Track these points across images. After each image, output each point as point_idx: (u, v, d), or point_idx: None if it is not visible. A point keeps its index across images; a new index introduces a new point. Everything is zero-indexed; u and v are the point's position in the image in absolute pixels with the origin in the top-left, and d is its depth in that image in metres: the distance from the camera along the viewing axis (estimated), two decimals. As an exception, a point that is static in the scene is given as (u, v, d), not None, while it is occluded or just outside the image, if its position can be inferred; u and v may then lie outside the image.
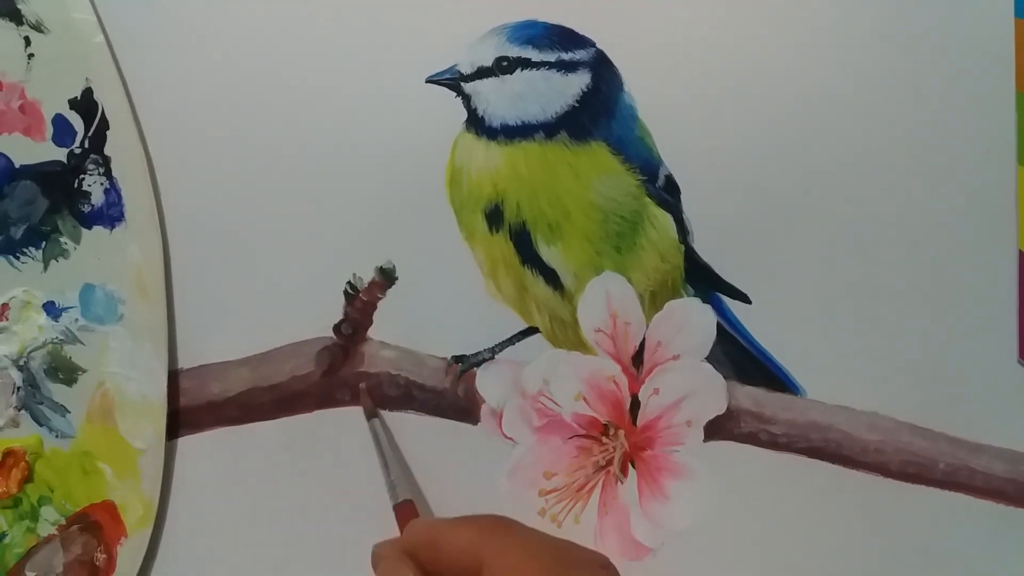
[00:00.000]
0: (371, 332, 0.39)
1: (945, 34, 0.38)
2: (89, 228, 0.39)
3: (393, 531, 0.38)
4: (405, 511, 0.36)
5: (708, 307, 0.39)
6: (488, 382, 0.39)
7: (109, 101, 0.38)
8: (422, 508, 0.38)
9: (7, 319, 0.38)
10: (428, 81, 0.38)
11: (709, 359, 0.39)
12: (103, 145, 0.38)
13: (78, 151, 0.38)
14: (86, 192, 0.38)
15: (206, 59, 0.39)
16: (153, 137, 0.39)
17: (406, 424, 0.39)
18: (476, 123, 0.38)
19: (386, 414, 0.39)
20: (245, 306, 0.39)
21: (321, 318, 0.39)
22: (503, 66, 0.38)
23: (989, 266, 0.38)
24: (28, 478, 0.39)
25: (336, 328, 0.39)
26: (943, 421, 0.38)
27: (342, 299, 0.39)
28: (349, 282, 0.39)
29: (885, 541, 0.38)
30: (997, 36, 0.38)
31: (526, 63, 0.38)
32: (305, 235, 0.39)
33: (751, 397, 0.39)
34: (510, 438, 0.39)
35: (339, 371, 0.39)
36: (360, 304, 0.39)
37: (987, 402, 0.38)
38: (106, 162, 0.38)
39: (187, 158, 0.39)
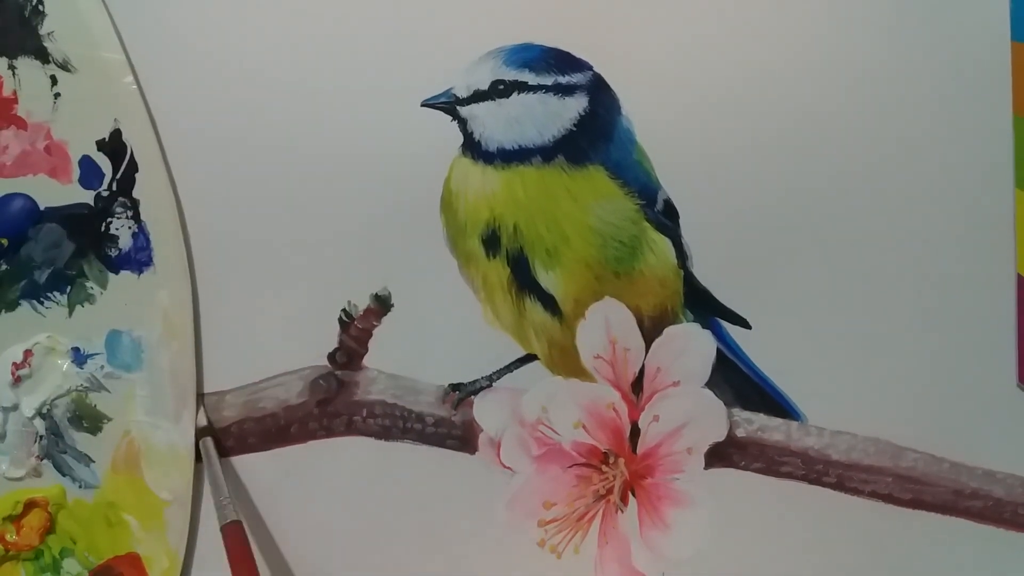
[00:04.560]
0: (367, 360, 0.39)
1: (942, 58, 0.38)
2: (116, 273, 0.38)
3: (387, 561, 0.38)
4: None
5: (708, 332, 0.38)
6: (486, 410, 0.39)
7: (138, 143, 0.38)
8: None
9: (31, 366, 0.38)
10: (424, 105, 0.38)
11: (709, 385, 0.38)
12: (132, 188, 0.37)
13: (106, 194, 0.38)
14: (114, 236, 0.38)
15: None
16: (183, 180, 0.38)
17: (402, 454, 0.39)
18: (472, 147, 0.38)
19: (382, 444, 0.39)
20: (238, 334, 0.39)
21: (316, 346, 0.39)
22: (499, 90, 0.38)
23: (988, 290, 0.38)
24: (50, 529, 0.38)
25: (331, 356, 0.39)
26: (943, 446, 0.38)
27: (337, 327, 0.39)
28: (344, 310, 0.39)
29: (887, 567, 0.38)
30: (994, 59, 0.38)
31: (523, 87, 0.38)
32: (299, 262, 0.39)
33: (752, 423, 0.38)
34: (508, 467, 0.38)
35: (334, 400, 0.39)
36: (355, 332, 0.39)
37: (987, 426, 0.38)
38: (135, 205, 0.38)
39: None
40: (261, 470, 0.39)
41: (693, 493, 0.38)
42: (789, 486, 0.38)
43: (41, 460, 0.38)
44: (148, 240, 0.38)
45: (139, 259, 0.38)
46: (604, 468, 0.38)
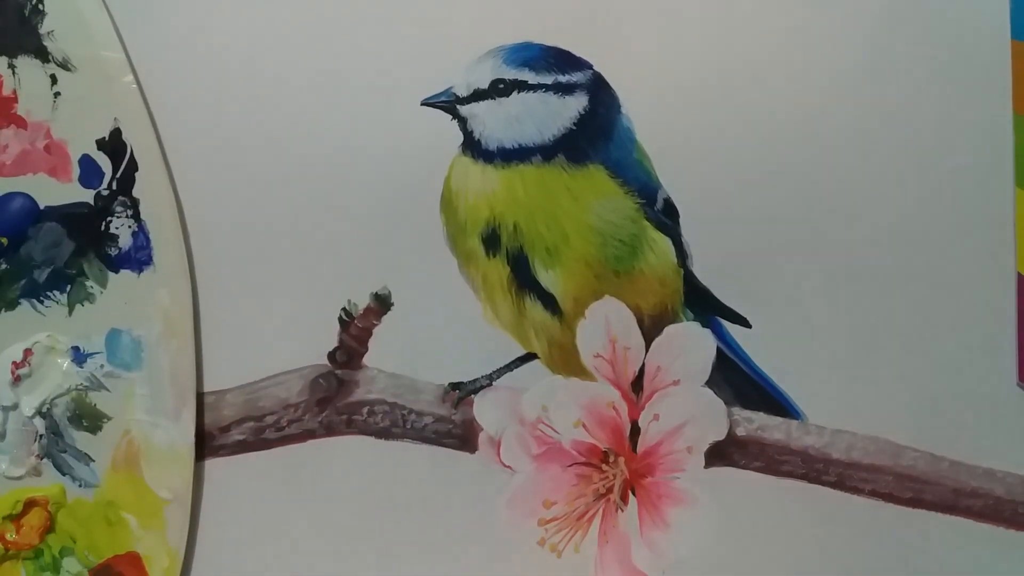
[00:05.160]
0: (366, 359, 0.39)
1: (942, 56, 0.38)
2: (116, 272, 0.38)
3: (387, 560, 0.38)
4: None
5: (708, 331, 0.38)
6: (486, 409, 0.38)
7: (138, 142, 0.37)
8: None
9: (30, 365, 0.38)
10: (424, 104, 0.38)
11: (709, 384, 0.38)
12: (131, 187, 0.37)
13: (105, 193, 0.38)
14: (113, 235, 0.38)
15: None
16: (183, 179, 0.38)
17: (402, 453, 0.39)
18: (472, 146, 0.38)
19: (382, 443, 0.39)
20: (238, 333, 0.39)
21: (316, 345, 0.39)
22: (499, 88, 0.38)
23: (988, 289, 0.38)
24: (50, 528, 0.38)
25: (331, 355, 0.39)
26: (943, 444, 0.38)
27: (337, 326, 0.39)
28: (344, 308, 0.39)
29: (887, 566, 0.38)
30: (994, 58, 0.38)
31: (523, 85, 0.38)
32: (299, 261, 0.39)
33: (752, 422, 0.38)
34: (508, 466, 0.38)
35: (334, 399, 0.39)
36: (355, 331, 0.38)
37: (987, 425, 0.38)
38: (135, 204, 0.37)
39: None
40: (261, 469, 0.39)
41: (693, 492, 0.38)
42: (789, 485, 0.38)
43: (41, 459, 0.38)
44: (148, 239, 0.38)
45: (139, 258, 0.38)
46: (604, 467, 0.38)
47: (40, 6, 0.37)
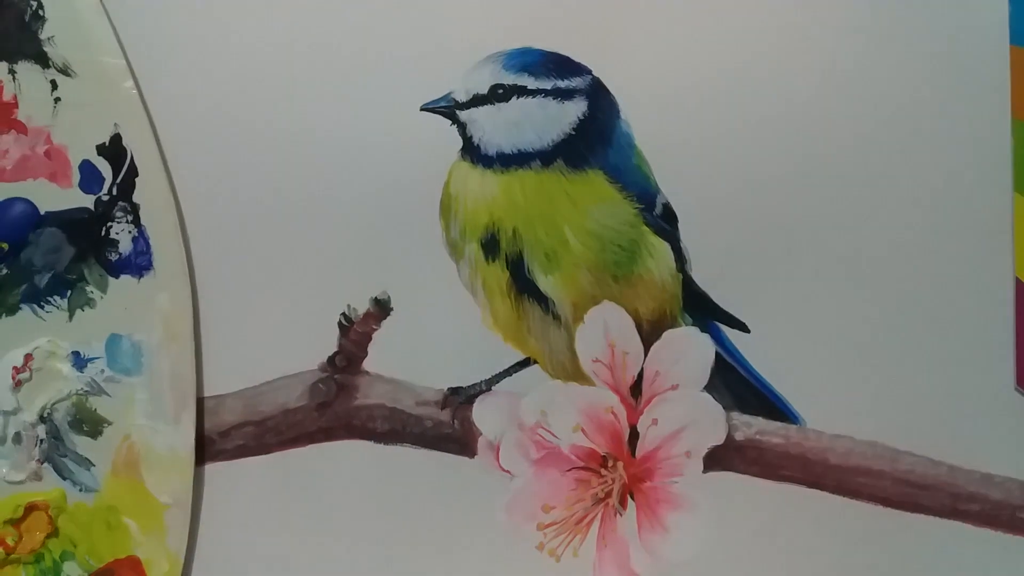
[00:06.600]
0: (366, 364, 0.39)
1: (941, 61, 0.38)
2: (116, 277, 0.38)
3: (386, 564, 0.38)
4: None
5: (706, 336, 0.38)
6: (485, 414, 0.39)
7: (138, 147, 0.38)
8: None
9: (31, 370, 0.38)
10: (423, 109, 0.38)
11: (708, 389, 0.38)
12: (132, 192, 0.38)
13: (106, 198, 0.38)
14: (114, 240, 0.38)
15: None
16: (183, 185, 0.38)
17: (401, 457, 0.39)
18: (471, 151, 0.38)
19: (382, 447, 0.39)
20: (238, 338, 0.39)
21: (315, 350, 0.39)
22: (499, 94, 0.38)
23: (986, 293, 0.38)
24: (51, 533, 0.38)
25: (330, 360, 0.39)
26: (941, 449, 0.38)
27: (336, 331, 0.39)
28: (344, 313, 0.39)
29: (885, 571, 0.38)
30: (993, 63, 0.38)
31: (522, 91, 0.38)
32: (299, 266, 0.39)
33: (750, 427, 0.38)
34: (507, 471, 0.38)
35: (333, 404, 0.39)
36: (355, 336, 0.39)
37: (985, 429, 0.38)
38: (135, 210, 0.38)
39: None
40: (261, 473, 0.39)
41: (692, 496, 0.38)
42: (787, 489, 0.38)
43: (42, 464, 0.38)
44: (148, 244, 0.38)
45: (139, 263, 0.38)
46: (603, 471, 0.38)
47: (40, 12, 0.38)
